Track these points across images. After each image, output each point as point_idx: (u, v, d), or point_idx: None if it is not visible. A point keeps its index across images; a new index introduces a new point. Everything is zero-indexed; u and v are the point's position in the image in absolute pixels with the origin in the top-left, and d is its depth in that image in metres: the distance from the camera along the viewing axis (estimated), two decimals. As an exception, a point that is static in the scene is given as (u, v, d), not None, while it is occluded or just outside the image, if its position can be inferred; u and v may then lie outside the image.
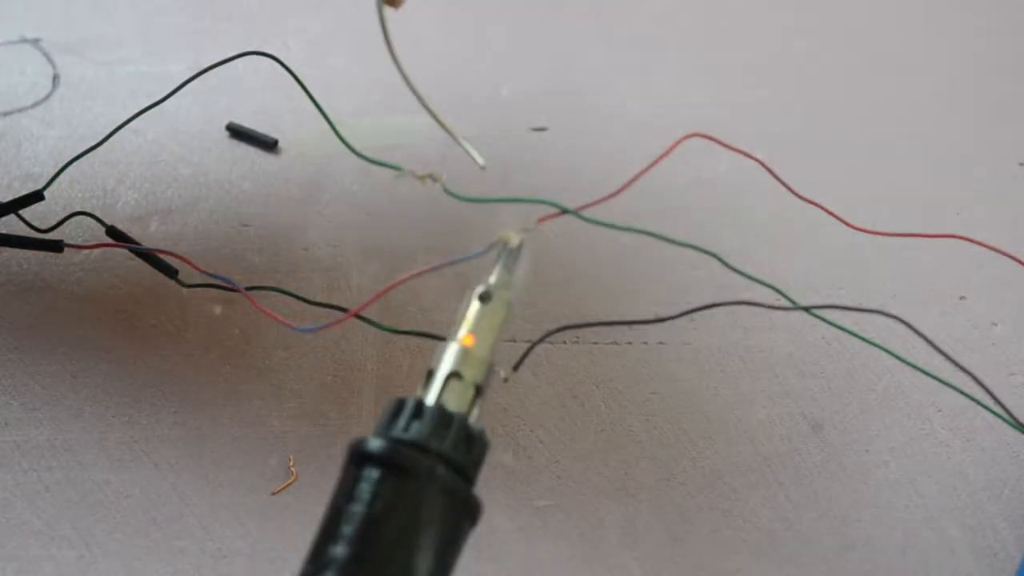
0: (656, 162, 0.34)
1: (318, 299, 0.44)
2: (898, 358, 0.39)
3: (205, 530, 0.39)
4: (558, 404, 0.44)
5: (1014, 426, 0.39)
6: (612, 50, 0.64)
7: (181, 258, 0.45)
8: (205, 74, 0.45)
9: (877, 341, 0.40)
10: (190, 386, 0.43)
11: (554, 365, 0.45)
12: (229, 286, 0.43)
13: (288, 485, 0.40)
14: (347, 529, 0.24)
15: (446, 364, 0.27)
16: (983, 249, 0.44)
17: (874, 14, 0.70)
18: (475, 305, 0.28)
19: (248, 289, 0.44)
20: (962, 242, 0.43)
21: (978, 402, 0.39)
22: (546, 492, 0.41)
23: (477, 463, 0.27)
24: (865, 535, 0.40)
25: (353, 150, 0.38)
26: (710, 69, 0.63)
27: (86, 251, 0.47)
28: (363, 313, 0.37)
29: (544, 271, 0.49)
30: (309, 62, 0.60)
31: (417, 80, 0.39)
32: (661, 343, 0.46)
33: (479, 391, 0.27)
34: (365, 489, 0.24)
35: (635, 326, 0.47)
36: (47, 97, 0.57)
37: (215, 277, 0.44)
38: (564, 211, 0.34)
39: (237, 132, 0.55)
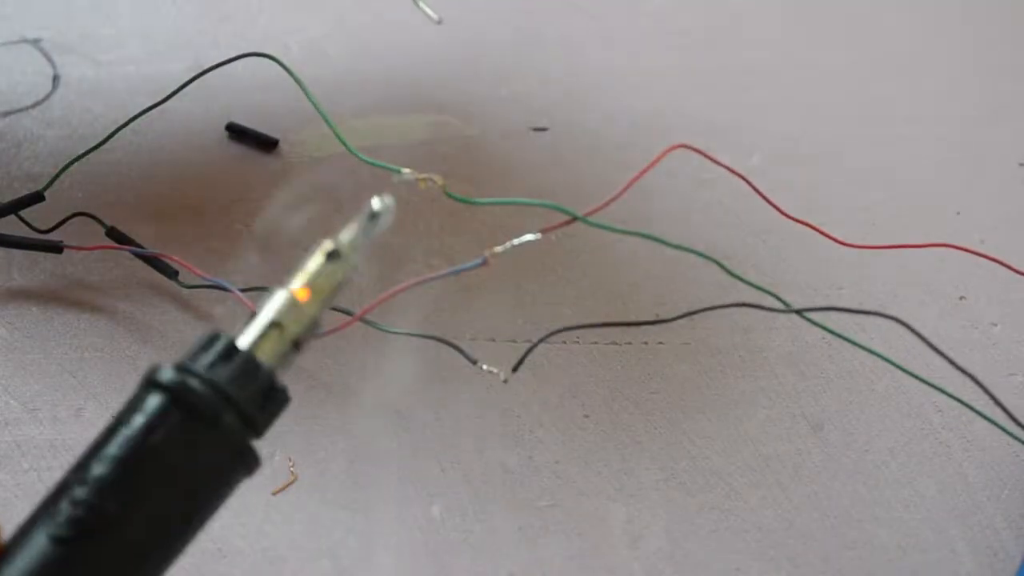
0: (645, 171, 0.34)
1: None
2: (896, 366, 0.39)
3: (205, 530, 0.39)
4: (558, 404, 0.44)
5: (1012, 435, 0.39)
6: (612, 50, 0.64)
7: (180, 262, 0.45)
8: (205, 74, 0.45)
9: (877, 343, 0.40)
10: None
11: (554, 365, 0.45)
12: (227, 289, 0.43)
13: (288, 485, 0.40)
14: (114, 451, 0.23)
15: (270, 312, 0.25)
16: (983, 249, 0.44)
17: (874, 14, 0.70)
18: (319, 260, 0.26)
19: (248, 291, 0.44)
20: (960, 242, 0.43)
21: (978, 412, 0.39)
22: (546, 492, 0.41)
23: (270, 418, 0.25)
24: (865, 535, 0.40)
25: (352, 151, 0.38)
26: (710, 69, 0.63)
27: (86, 252, 0.47)
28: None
29: (544, 272, 0.49)
30: (309, 62, 0.60)
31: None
32: (661, 343, 0.46)
33: (297, 347, 0.26)
34: (145, 416, 0.24)
35: (635, 326, 0.47)
36: (47, 97, 0.57)
37: (212, 280, 0.44)
38: (573, 218, 0.34)
39: (237, 132, 0.55)
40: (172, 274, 0.45)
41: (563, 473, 0.41)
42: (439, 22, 0.38)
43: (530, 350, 0.39)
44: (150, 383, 0.24)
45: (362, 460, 0.41)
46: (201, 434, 0.24)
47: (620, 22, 0.67)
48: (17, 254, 0.47)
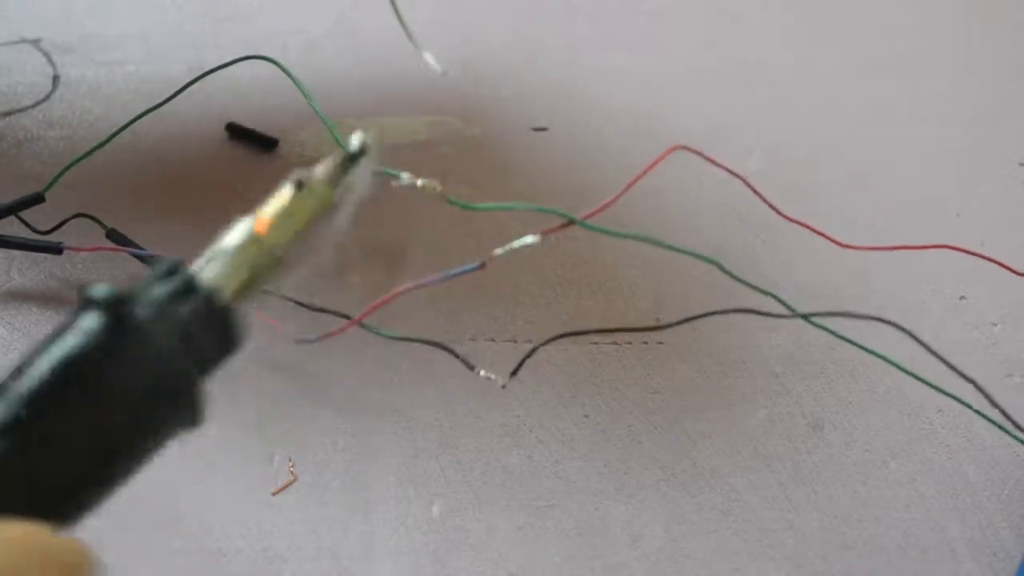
0: (644, 172, 0.34)
1: (317, 302, 0.44)
2: (897, 367, 0.39)
3: (205, 530, 0.39)
4: (558, 404, 0.44)
5: (1012, 435, 0.39)
6: (612, 50, 0.64)
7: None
8: (205, 76, 0.45)
9: (877, 344, 0.40)
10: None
11: (554, 366, 0.45)
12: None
13: (288, 485, 0.40)
14: (41, 369, 0.21)
15: (225, 240, 0.24)
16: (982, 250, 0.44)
17: (874, 14, 0.70)
18: (286, 191, 0.25)
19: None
20: (960, 242, 0.43)
21: (978, 412, 0.39)
22: (546, 492, 0.41)
23: (219, 352, 0.24)
24: (865, 535, 0.40)
25: (351, 154, 0.38)
26: (710, 69, 0.63)
27: (86, 253, 0.47)
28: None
29: (544, 273, 0.49)
30: (308, 64, 0.60)
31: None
32: (661, 343, 0.46)
33: (254, 280, 0.24)
34: (76, 333, 0.22)
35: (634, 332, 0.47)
36: (47, 97, 0.57)
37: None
38: (571, 221, 0.34)
39: (237, 132, 0.55)
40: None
41: (563, 473, 0.41)
42: (444, 74, 0.38)
43: (528, 355, 0.39)
44: (83, 299, 0.23)
45: (362, 460, 0.41)
46: (134, 355, 0.22)
47: (620, 22, 0.67)
48: (17, 254, 0.47)
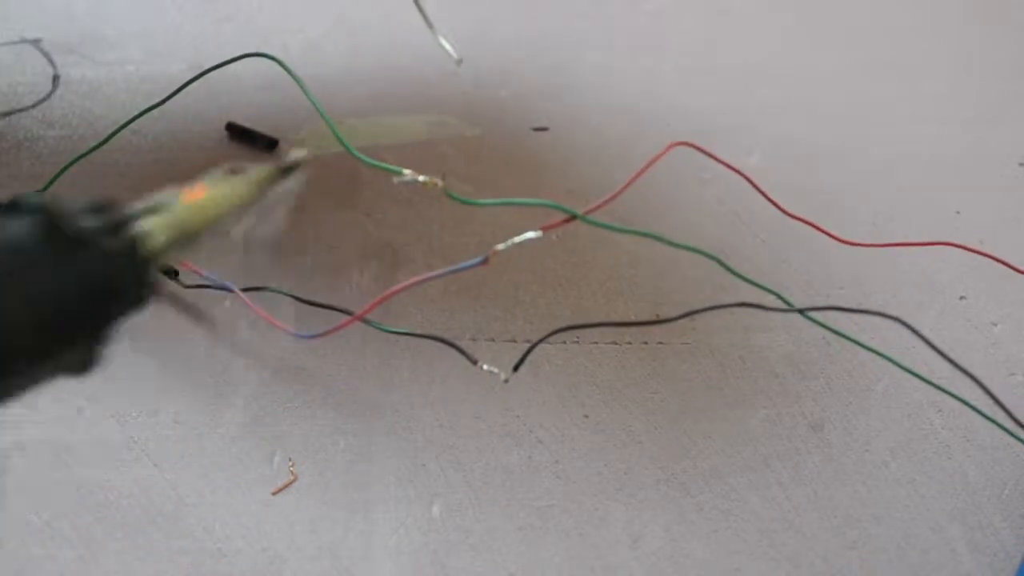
0: (645, 169, 0.34)
1: (318, 299, 0.44)
2: (897, 364, 0.39)
3: (205, 530, 0.39)
4: (558, 404, 0.44)
5: (1012, 435, 0.39)
6: (612, 50, 0.64)
7: (180, 262, 0.45)
8: (205, 75, 0.45)
9: (877, 343, 0.40)
10: (190, 386, 0.43)
11: (554, 365, 0.45)
12: (227, 289, 0.43)
13: (288, 485, 0.40)
14: None
15: (158, 197, 0.25)
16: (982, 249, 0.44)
17: (875, 15, 0.70)
18: (219, 174, 0.26)
19: (248, 290, 0.44)
20: (961, 241, 0.43)
21: (979, 411, 0.39)
22: (546, 492, 0.41)
23: (126, 302, 0.24)
24: (865, 535, 0.40)
25: (352, 152, 0.38)
26: (710, 69, 0.63)
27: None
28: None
29: (544, 271, 0.49)
30: (308, 63, 0.60)
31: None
32: (661, 343, 0.46)
33: (177, 240, 0.25)
34: (5, 229, 0.22)
35: (635, 326, 0.47)
36: (47, 97, 0.57)
37: (212, 280, 0.44)
38: (573, 216, 0.34)
39: (237, 132, 0.55)
40: (173, 274, 0.45)
41: (563, 473, 0.41)
42: (459, 61, 0.38)
43: (530, 350, 0.39)
44: (17, 205, 0.23)
45: (362, 460, 0.41)
46: (56, 267, 0.22)
47: (620, 22, 0.67)
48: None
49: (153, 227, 0.24)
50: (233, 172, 0.26)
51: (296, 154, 0.27)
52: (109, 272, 0.23)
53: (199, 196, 0.25)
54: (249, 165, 0.26)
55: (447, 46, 0.38)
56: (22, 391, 0.22)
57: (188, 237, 0.25)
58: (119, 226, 0.24)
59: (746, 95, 0.62)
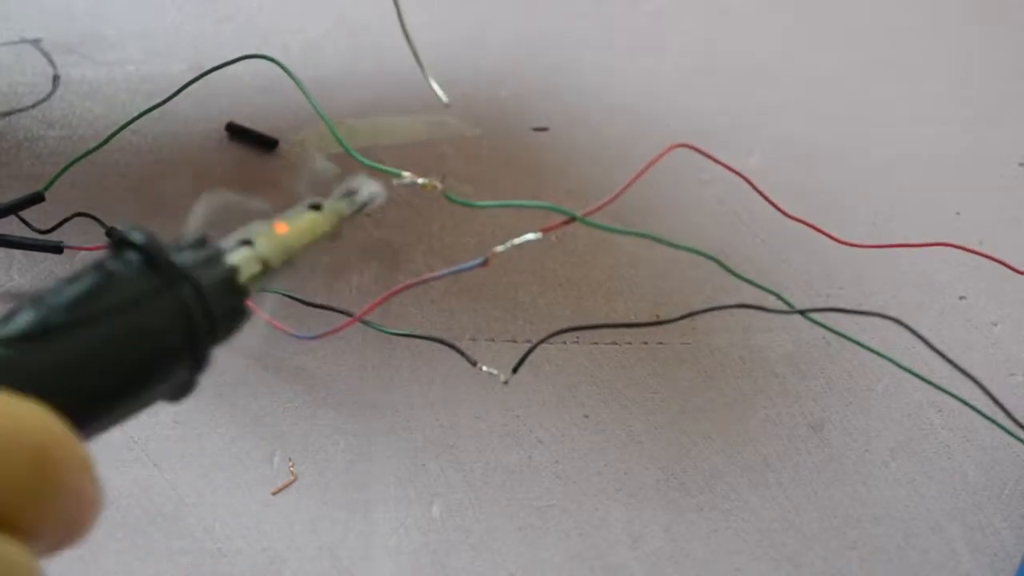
0: (645, 170, 0.34)
1: (318, 300, 0.44)
2: (897, 364, 0.39)
3: (205, 530, 0.39)
4: (558, 404, 0.44)
5: (1012, 435, 0.39)
6: (612, 50, 0.64)
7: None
8: (205, 75, 0.45)
9: (877, 343, 0.40)
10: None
11: (554, 365, 0.45)
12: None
13: (288, 485, 0.40)
14: (73, 289, 0.23)
15: (246, 231, 0.26)
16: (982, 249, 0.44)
17: (875, 16, 0.70)
18: (302, 209, 0.28)
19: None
20: (961, 241, 0.43)
21: (979, 411, 0.39)
22: (546, 492, 0.41)
23: (220, 330, 0.25)
24: (865, 535, 0.40)
25: (352, 153, 0.38)
26: (710, 69, 0.63)
27: (86, 252, 0.47)
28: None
29: (544, 272, 0.49)
30: (308, 63, 0.60)
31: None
32: (661, 343, 0.46)
33: (265, 272, 0.26)
34: (114, 264, 0.23)
35: (635, 327, 0.47)
36: (47, 97, 0.57)
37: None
38: (572, 218, 0.34)
39: (237, 132, 0.55)
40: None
41: (563, 473, 0.41)
42: (448, 105, 0.39)
43: (530, 351, 0.39)
44: (118, 240, 0.24)
45: (362, 460, 0.41)
46: (156, 299, 0.23)
47: (620, 22, 0.67)
48: (17, 254, 0.47)
49: (245, 260, 0.26)
50: (314, 207, 0.28)
51: (373, 188, 0.29)
52: (207, 304, 0.24)
53: (285, 230, 0.27)
54: (327, 200, 0.28)
55: (437, 88, 0.38)
56: (125, 419, 0.24)
57: (276, 269, 0.26)
58: (213, 259, 0.25)
59: (746, 95, 0.62)
